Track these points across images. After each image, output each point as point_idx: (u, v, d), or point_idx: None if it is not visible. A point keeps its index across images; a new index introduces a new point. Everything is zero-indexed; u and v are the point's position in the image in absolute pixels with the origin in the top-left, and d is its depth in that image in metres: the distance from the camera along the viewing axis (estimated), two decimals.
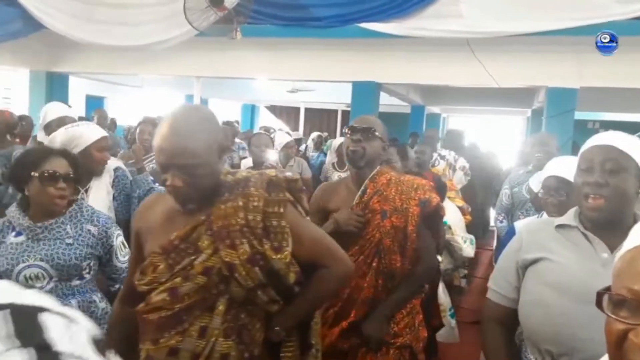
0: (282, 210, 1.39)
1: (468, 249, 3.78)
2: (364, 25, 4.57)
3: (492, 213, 5.47)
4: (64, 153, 1.95)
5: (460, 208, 4.13)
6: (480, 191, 5.46)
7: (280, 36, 5.18)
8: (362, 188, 2.04)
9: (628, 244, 0.77)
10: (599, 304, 0.73)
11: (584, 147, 1.42)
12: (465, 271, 4.86)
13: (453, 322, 3.28)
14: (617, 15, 3.79)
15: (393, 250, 1.98)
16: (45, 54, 6.59)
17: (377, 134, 2.02)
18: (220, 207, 1.38)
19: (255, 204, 1.38)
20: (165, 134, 1.32)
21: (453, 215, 3.68)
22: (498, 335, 1.53)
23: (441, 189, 3.35)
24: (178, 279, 1.35)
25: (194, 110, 1.45)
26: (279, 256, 1.37)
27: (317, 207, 2.14)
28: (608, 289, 0.74)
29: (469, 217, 4.28)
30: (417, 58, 5.34)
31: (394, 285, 2.02)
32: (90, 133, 2.53)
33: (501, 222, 3.87)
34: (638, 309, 0.68)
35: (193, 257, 1.36)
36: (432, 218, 2.08)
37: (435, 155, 4.60)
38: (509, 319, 1.50)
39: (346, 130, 2.09)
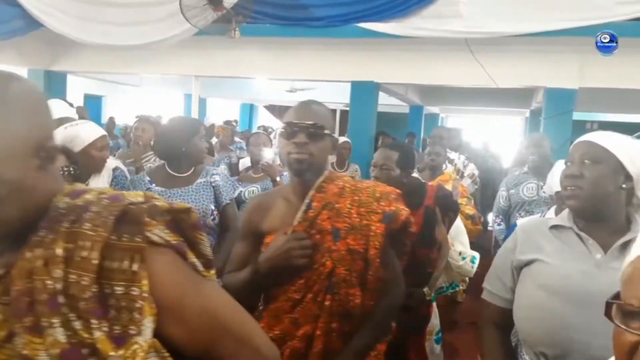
0: (135, 266, 0.77)
1: (466, 266, 3.26)
2: (363, 25, 4.57)
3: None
4: (62, 149, 1.95)
5: (471, 217, 3.72)
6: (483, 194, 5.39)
7: (279, 35, 5.17)
8: (307, 201, 1.52)
9: (638, 249, 0.74)
10: (607, 313, 0.70)
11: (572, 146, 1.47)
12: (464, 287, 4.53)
13: (438, 348, 2.83)
14: (617, 16, 3.79)
15: (350, 283, 1.48)
16: (43, 53, 6.57)
17: (326, 131, 1.51)
18: (24, 256, 0.78)
19: (85, 253, 0.76)
20: None
21: (454, 228, 3.15)
22: (494, 336, 1.53)
23: (450, 206, 2.85)
24: None
25: None
26: (119, 352, 0.75)
27: (247, 230, 1.63)
28: (617, 297, 0.70)
29: (480, 227, 3.88)
30: (416, 58, 5.34)
31: (352, 329, 1.51)
32: (88, 133, 2.52)
33: (499, 224, 3.81)
34: None
35: None
36: (399, 236, 1.59)
37: None
38: (505, 319, 1.50)
39: (283, 128, 1.53)
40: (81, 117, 5.90)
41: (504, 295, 1.50)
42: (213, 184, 2.59)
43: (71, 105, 3.94)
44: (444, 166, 4.09)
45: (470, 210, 3.75)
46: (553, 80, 4.98)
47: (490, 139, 7.53)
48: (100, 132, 2.58)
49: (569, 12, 3.94)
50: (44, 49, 6.50)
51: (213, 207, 2.57)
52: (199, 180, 2.56)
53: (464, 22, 4.25)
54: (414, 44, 4.92)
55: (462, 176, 4.24)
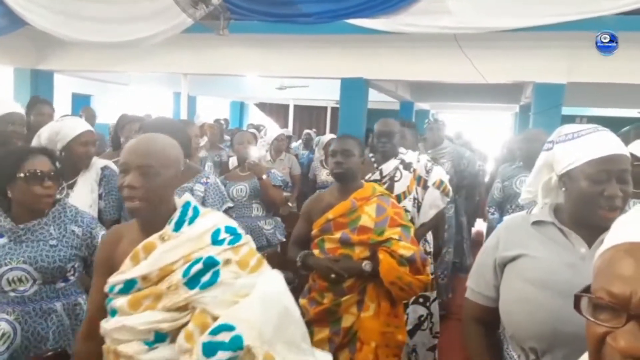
0: None
1: None
2: (352, 21, 4.55)
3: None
4: (44, 151, 1.92)
5: (409, 260, 2.19)
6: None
7: (268, 33, 5.15)
8: None
9: (608, 241, 0.74)
10: (577, 306, 0.71)
11: None
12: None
13: None
14: (605, 11, 3.79)
15: None
16: (30, 51, 6.49)
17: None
18: None
19: None
20: None
21: None
22: (479, 334, 1.54)
23: None
24: None
25: None
26: None
27: None
28: (586, 290, 0.71)
29: (425, 277, 2.25)
30: (406, 54, 5.34)
31: None
32: (72, 128, 2.48)
33: (492, 214, 3.93)
34: (616, 312, 0.65)
35: None
36: None
37: (395, 162, 3.02)
38: (489, 317, 1.50)
39: None
40: (88, 118, 5.84)
41: (487, 294, 1.50)
42: (194, 195, 2.41)
43: (48, 103, 3.92)
44: (397, 175, 2.97)
45: (406, 249, 2.22)
46: (542, 75, 5.00)
47: (477, 134, 7.27)
48: (84, 127, 2.53)
49: (556, 7, 3.94)
50: (30, 48, 6.43)
51: None
52: (184, 185, 2.42)
53: (452, 18, 4.24)
54: (403, 40, 4.92)
55: (425, 187, 3.01)
